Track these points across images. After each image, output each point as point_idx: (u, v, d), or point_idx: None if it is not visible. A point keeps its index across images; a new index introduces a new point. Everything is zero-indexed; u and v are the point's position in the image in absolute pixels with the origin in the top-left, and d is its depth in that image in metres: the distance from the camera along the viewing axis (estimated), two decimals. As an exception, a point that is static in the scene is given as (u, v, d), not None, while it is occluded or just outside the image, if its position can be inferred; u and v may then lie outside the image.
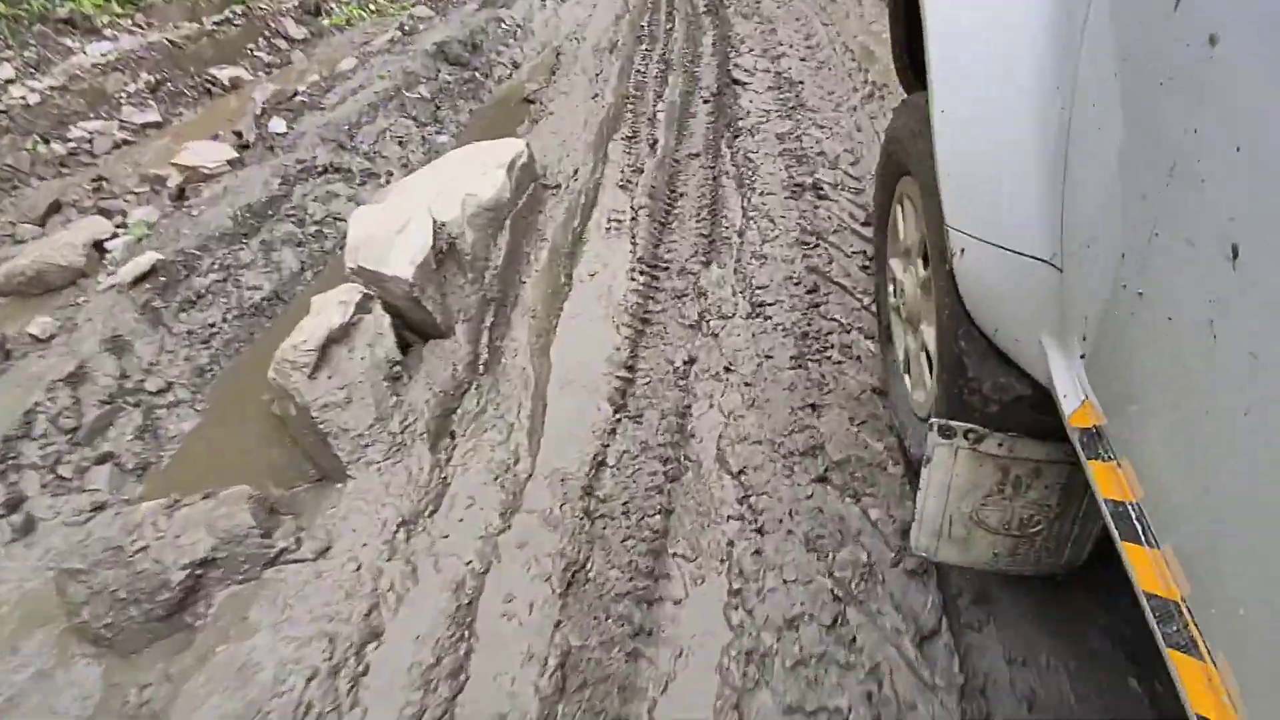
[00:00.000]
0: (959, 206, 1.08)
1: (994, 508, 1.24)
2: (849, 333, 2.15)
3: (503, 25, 5.11)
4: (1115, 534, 0.84)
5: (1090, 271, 0.88)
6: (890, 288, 1.77)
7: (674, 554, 1.63)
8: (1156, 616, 0.76)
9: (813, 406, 1.93)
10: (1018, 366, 1.13)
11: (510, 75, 4.51)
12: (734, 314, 2.30)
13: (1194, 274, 0.61)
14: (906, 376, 1.66)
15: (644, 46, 4.64)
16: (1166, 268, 0.67)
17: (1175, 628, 0.74)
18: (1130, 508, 0.83)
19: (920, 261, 1.48)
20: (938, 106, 1.11)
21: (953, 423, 1.20)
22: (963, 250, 1.08)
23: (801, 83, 3.79)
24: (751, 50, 4.34)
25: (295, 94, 4.25)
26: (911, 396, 1.62)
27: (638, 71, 4.21)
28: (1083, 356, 0.95)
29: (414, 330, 2.25)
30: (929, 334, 1.42)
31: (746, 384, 2.03)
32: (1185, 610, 0.73)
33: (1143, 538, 0.81)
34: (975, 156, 1.06)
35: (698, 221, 2.80)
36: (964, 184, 1.08)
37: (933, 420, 1.22)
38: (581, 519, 1.70)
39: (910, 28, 1.64)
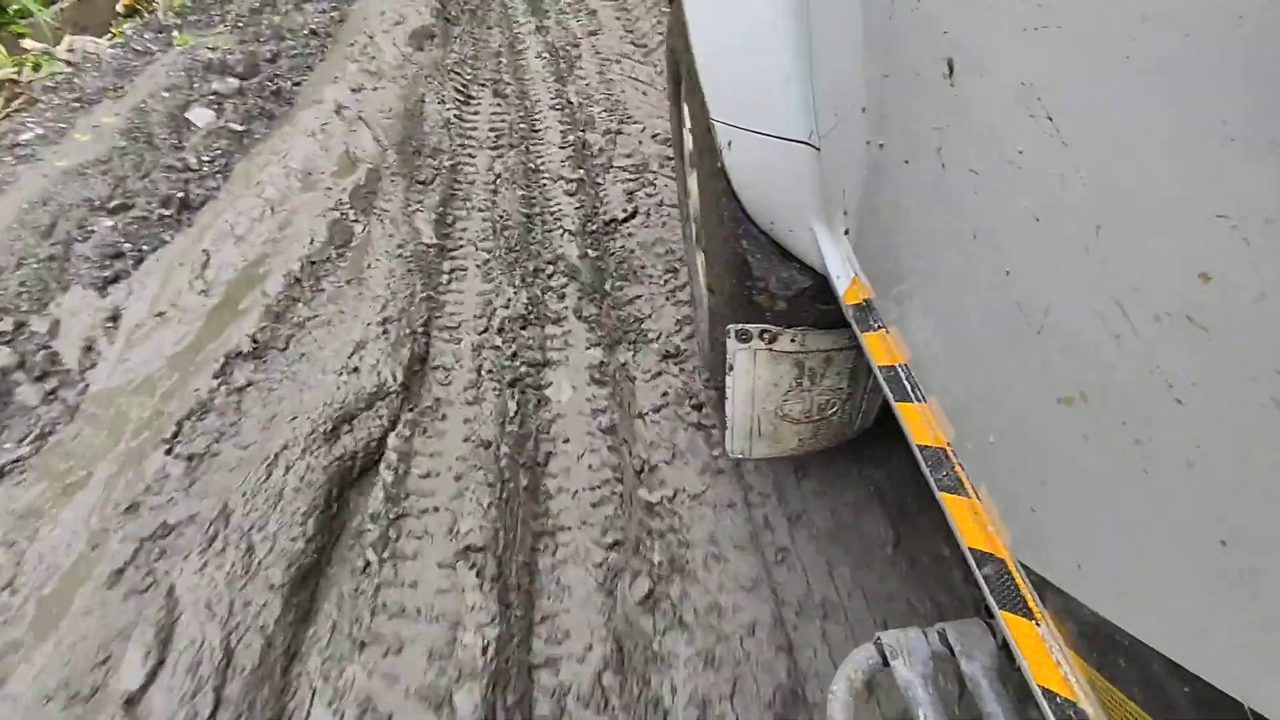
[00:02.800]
0: (720, 98, 1.05)
1: (795, 400, 1.27)
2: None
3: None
4: (890, 397, 0.86)
5: (842, 143, 0.88)
6: (688, 199, 1.76)
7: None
8: (928, 465, 0.79)
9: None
10: (798, 259, 1.14)
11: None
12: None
13: (920, 105, 0.60)
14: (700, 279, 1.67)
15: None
16: (899, 108, 0.66)
17: (944, 472, 0.77)
18: (900, 369, 0.86)
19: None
20: (688, 6, 1.06)
21: (748, 326, 1.20)
22: (729, 143, 1.06)
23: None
24: None
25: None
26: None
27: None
28: (846, 233, 0.96)
29: None
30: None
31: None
32: (950, 455, 0.76)
33: (911, 395, 0.83)
34: (727, 47, 1.03)
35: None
36: (721, 75, 1.05)
37: (728, 328, 1.21)
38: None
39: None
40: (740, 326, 1.20)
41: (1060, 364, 0.48)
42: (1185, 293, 0.35)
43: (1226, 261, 0.32)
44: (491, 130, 3.11)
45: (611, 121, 3.04)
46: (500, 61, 3.78)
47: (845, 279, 0.98)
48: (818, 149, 0.97)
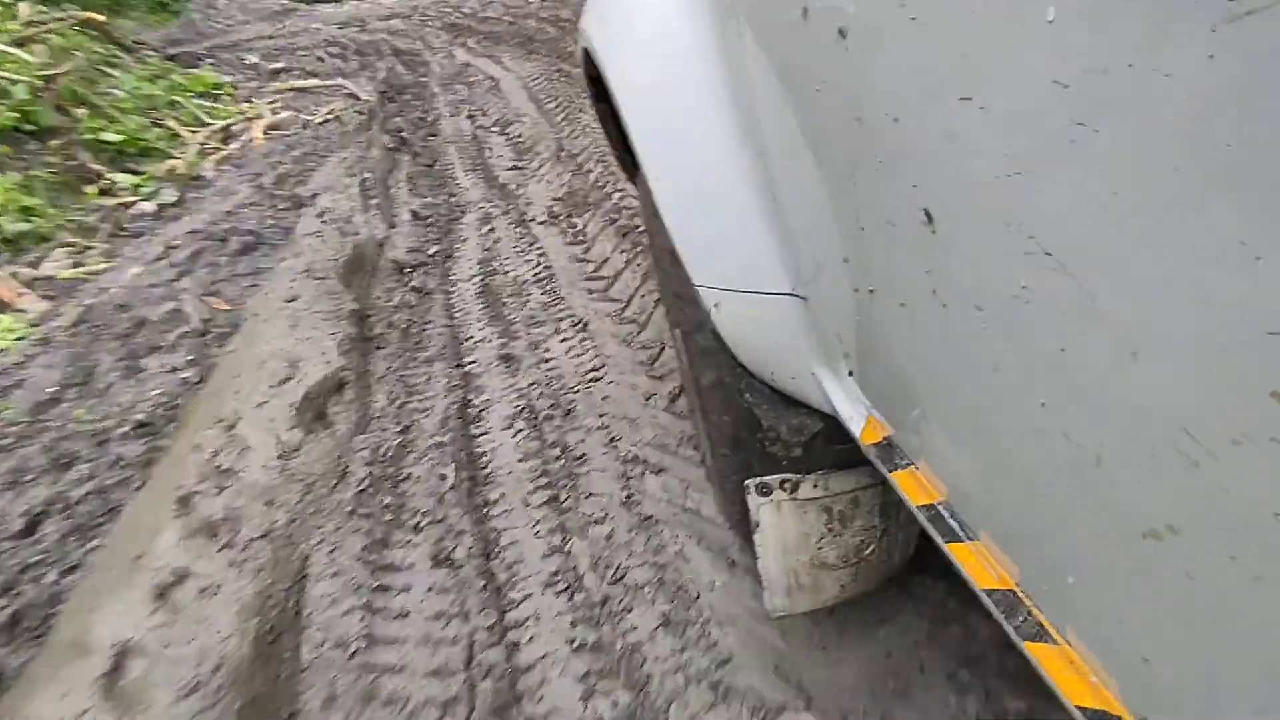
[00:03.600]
0: (699, 264, 1.08)
1: (829, 547, 1.21)
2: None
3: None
4: (938, 539, 0.80)
5: (829, 291, 0.90)
6: (684, 363, 1.77)
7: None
8: (1002, 612, 0.71)
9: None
10: (805, 404, 1.13)
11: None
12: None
13: (905, 252, 0.61)
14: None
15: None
16: (882, 257, 0.67)
17: (1021, 618, 0.70)
18: (941, 507, 0.81)
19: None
20: (653, 182, 1.13)
21: (767, 479, 1.16)
22: (717, 305, 1.08)
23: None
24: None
25: None
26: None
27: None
28: (851, 374, 0.95)
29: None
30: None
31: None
32: (1023, 597, 0.70)
33: (960, 533, 0.78)
34: (696, 214, 1.08)
35: None
36: (695, 242, 1.09)
37: (747, 483, 1.17)
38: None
39: (619, 127, 1.74)
40: (760, 480, 1.16)
41: (1132, 497, 0.44)
42: (1260, 414, 0.32)
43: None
44: (432, 672, 1.44)
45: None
46: (443, 447, 2.02)
47: (859, 419, 0.96)
48: (805, 299, 0.99)
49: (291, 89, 6.43)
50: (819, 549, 1.20)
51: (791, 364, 1.06)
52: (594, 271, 2.83)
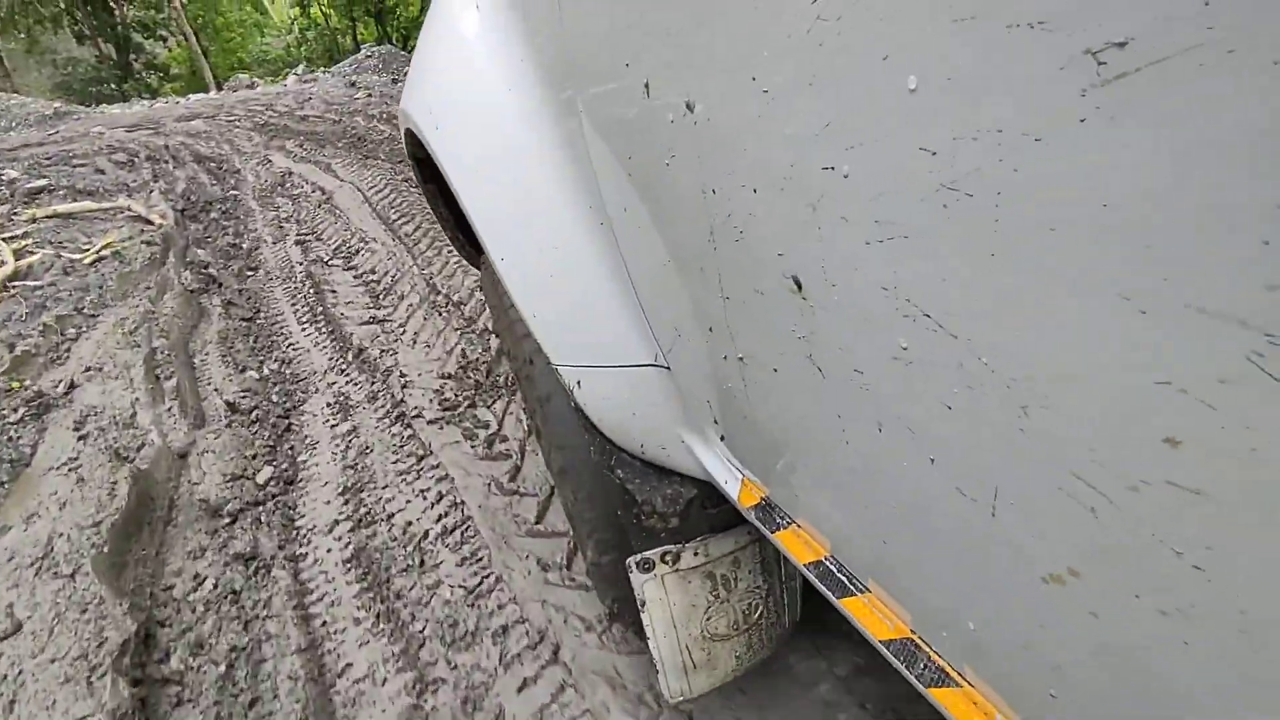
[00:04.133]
0: (555, 344, 1.04)
1: (719, 615, 1.18)
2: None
3: None
4: (829, 595, 0.80)
5: (691, 359, 0.89)
6: (541, 453, 1.69)
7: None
8: (902, 662, 0.72)
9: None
10: (676, 472, 1.11)
11: None
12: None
13: (776, 319, 0.61)
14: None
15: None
16: (751, 325, 0.67)
17: (922, 665, 0.70)
18: (828, 562, 0.81)
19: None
20: (498, 262, 1.08)
21: (649, 554, 1.12)
22: (579, 383, 1.04)
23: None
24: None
25: None
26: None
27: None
28: (723, 438, 0.94)
29: None
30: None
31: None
32: (921, 643, 0.70)
33: (850, 586, 0.78)
34: (551, 295, 1.04)
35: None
36: (552, 321, 1.05)
37: (629, 561, 1.12)
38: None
39: (450, 207, 1.68)
40: (641, 557, 1.12)
41: (1030, 544, 0.45)
42: (1157, 460, 0.34)
43: (1193, 426, 0.31)
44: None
45: None
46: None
47: (735, 483, 0.95)
48: (667, 368, 0.97)
49: (53, 215, 4.86)
50: (708, 619, 1.16)
51: (660, 433, 1.04)
52: (538, 519, 1.69)
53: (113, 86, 28.36)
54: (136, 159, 7.39)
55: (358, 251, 3.99)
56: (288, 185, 5.87)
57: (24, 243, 4.17)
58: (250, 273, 3.94)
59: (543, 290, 1.04)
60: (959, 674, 0.66)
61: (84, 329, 2.90)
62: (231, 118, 9.79)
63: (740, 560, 1.17)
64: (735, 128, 0.54)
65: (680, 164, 0.66)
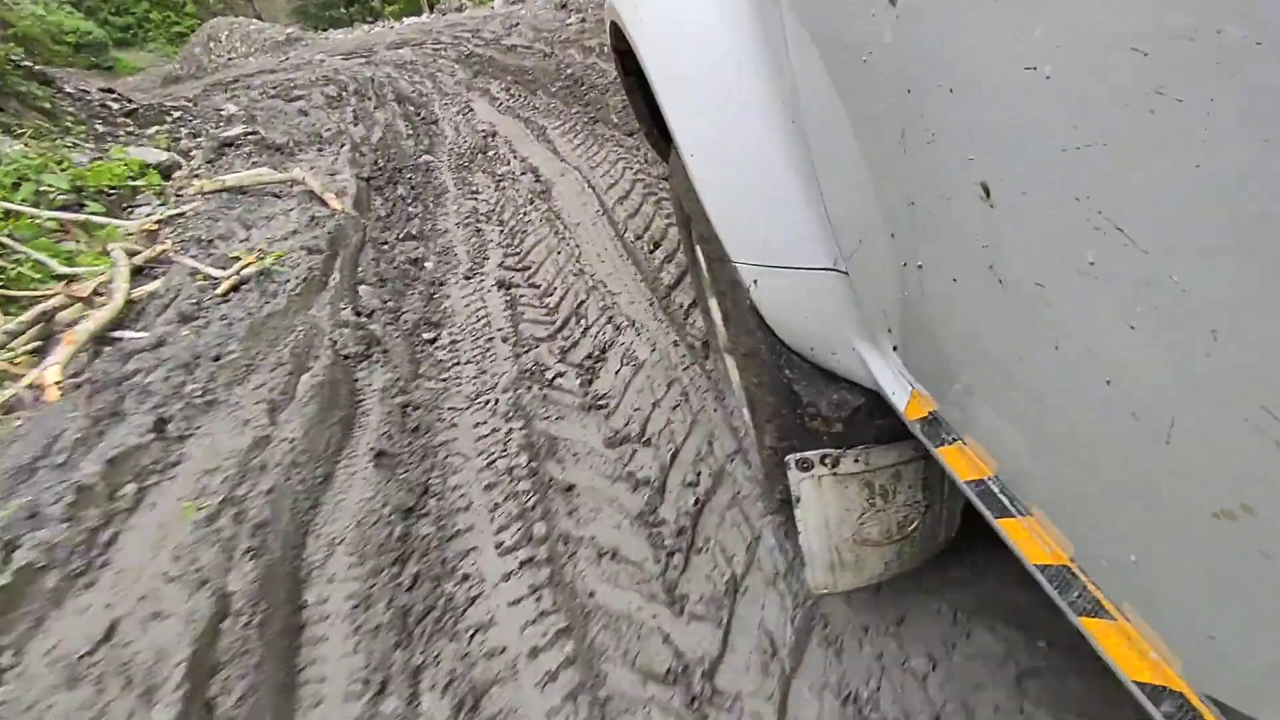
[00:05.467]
0: (736, 240, 1.07)
1: (872, 523, 1.20)
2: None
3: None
4: (987, 515, 0.80)
5: (871, 265, 0.88)
6: (716, 338, 1.77)
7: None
8: (1055, 587, 0.71)
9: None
10: (845, 379, 1.12)
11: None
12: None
13: (960, 227, 0.59)
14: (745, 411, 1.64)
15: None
16: (934, 232, 0.66)
17: (1076, 593, 0.69)
18: (991, 483, 0.80)
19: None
20: (688, 158, 1.12)
21: (808, 454, 1.16)
22: (755, 281, 1.07)
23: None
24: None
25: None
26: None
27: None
28: (895, 349, 0.94)
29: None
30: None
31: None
32: (1078, 572, 0.69)
33: (1011, 509, 0.77)
34: (734, 189, 1.06)
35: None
36: (735, 219, 1.08)
37: (788, 459, 1.17)
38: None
39: (648, 100, 1.71)
40: (800, 456, 1.16)
41: (1203, 476, 0.43)
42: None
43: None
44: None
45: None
46: None
47: (903, 394, 0.95)
48: (846, 273, 0.97)
49: (222, 189, 4.02)
50: (861, 525, 1.20)
51: (832, 339, 1.05)
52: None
53: (342, 10, 30.97)
54: (345, 92, 7.06)
55: (606, 351, 2.24)
56: (491, 154, 4.54)
57: (164, 246, 3.26)
58: (428, 336, 2.56)
59: (729, 189, 1.07)
60: (1115, 606, 0.64)
61: (126, 516, 1.78)
62: (438, 45, 9.09)
63: (901, 474, 1.17)
64: (938, 23, 0.52)
65: (879, 60, 0.64)
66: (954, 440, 0.86)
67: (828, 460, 1.15)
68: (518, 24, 9.12)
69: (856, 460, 1.15)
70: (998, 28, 0.46)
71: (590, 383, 2.17)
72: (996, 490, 0.79)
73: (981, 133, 0.51)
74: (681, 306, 2.41)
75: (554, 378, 2.22)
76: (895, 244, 0.76)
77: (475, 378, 2.33)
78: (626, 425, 1.96)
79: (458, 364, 2.42)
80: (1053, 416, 0.59)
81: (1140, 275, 0.41)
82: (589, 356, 2.28)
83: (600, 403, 2.08)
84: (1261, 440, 0.38)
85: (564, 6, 10.22)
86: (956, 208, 0.58)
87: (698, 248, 1.71)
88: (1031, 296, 0.53)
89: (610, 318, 2.43)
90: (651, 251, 2.76)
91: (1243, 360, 0.37)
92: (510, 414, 2.09)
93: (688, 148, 1.09)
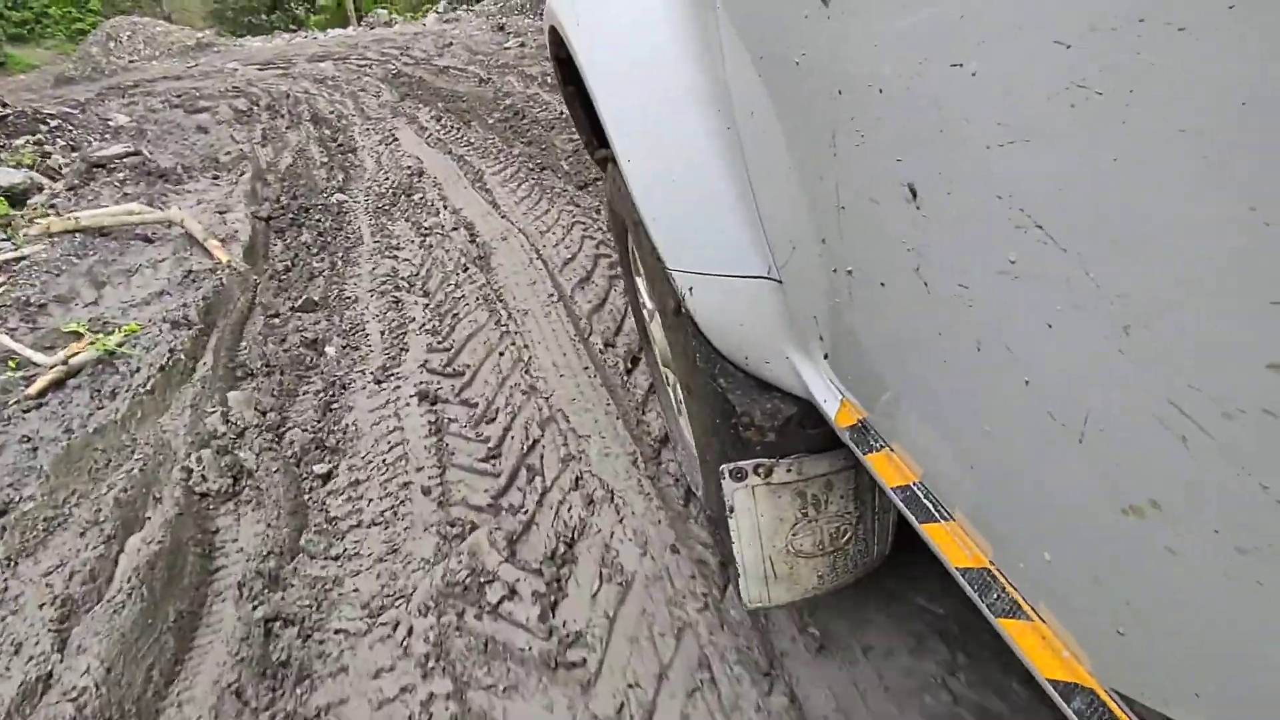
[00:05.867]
0: (672, 248, 1.07)
1: (805, 533, 1.21)
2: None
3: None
4: (913, 520, 0.81)
5: (804, 272, 0.89)
6: (653, 347, 1.76)
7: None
8: (975, 590, 0.72)
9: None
10: (779, 388, 1.13)
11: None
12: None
13: (887, 230, 0.60)
14: (683, 420, 1.63)
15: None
16: (863, 236, 0.66)
17: (995, 595, 0.70)
18: (916, 488, 0.81)
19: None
20: (624, 164, 1.11)
21: (741, 464, 1.16)
22: (690, 289, 1.06)
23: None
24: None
25: None
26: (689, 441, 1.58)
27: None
28: (826, 356, 0.95)
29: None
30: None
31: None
32: (998, 574, 0.70)
33: (935, 514, 0.78)
34: (672, 199, 1.06)
35: None
36: (669, 226, 1.08)
37: (722, 468, 1.17)
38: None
39: (587, 109, 1.71)
40: (734, 465, 1.16)
41: (1116, 473, 0.44)
42: (1255, 386, 0.32)
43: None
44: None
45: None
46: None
47: (833, 402, 0.96)
48: (779, 281, 0.98)
49: (75, 229, 2.97)
50: (794, 535, 1.20)
51: (765, 347, 1.06)
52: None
53: (263, 16, 29.18)
54: (256, 107, 6.23)
55: (574, 545, 1.54)
56: (416, 198, 3.70)
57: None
58: (321, 469, 1.83)
59: (664, 195, 1.06)
60: (1031, 607, 0.65)
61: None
62: (363, 61, 8.19)
63: (833, 484, 1.18)
64: (868, 22, 0.53)
65: (811, 63, 0.65)
66: (882, 448, 0.87)
67: (761, 470, 1.15)
68: (451, 44, 8.46)
69: (789, 470, 1.15)
70: (925, 25, 0.46)
71: (554, 608, 1.42)
72: (921, 496, 0.80)
73: (909, 132, 0.52)
74: (671, 479, 1.63)
75: (499, 599, 1.44)
76: (826, 250, 0.77)
77: (382, 560, 1.56)
78: (620, 713, 1.25)
79: (358, 525, 1.66)
80: (974, 419, 0.60)
81: (1059, 273, 0.42)
82: (551, 555, 1.53)
83: (571, 658, 1.33)
84: (1170, 436, 0.39)
85: (502, 29, 9.61)
86: (884, 210, 0.59)
87: (635, 258, 1.70)
88: (954, 298, 0.54)
89: (577, 478, 1.70)
90: (629, 371, 1.96)
91: (1154, 356, 0.37)
92: (431, 662, 1.33)
93: (623, 153, 1.09)
